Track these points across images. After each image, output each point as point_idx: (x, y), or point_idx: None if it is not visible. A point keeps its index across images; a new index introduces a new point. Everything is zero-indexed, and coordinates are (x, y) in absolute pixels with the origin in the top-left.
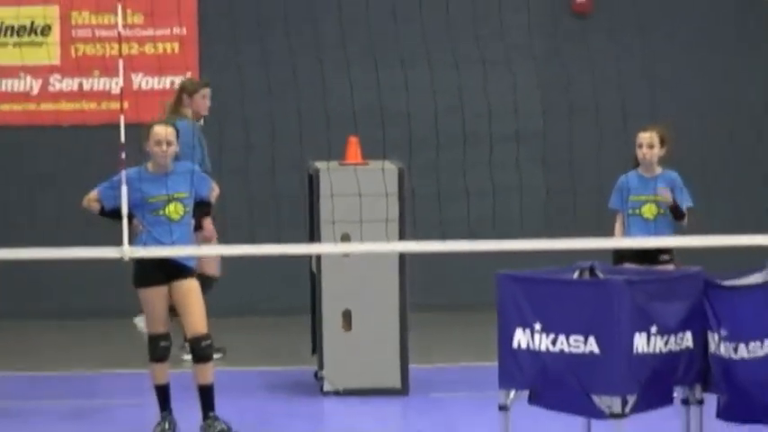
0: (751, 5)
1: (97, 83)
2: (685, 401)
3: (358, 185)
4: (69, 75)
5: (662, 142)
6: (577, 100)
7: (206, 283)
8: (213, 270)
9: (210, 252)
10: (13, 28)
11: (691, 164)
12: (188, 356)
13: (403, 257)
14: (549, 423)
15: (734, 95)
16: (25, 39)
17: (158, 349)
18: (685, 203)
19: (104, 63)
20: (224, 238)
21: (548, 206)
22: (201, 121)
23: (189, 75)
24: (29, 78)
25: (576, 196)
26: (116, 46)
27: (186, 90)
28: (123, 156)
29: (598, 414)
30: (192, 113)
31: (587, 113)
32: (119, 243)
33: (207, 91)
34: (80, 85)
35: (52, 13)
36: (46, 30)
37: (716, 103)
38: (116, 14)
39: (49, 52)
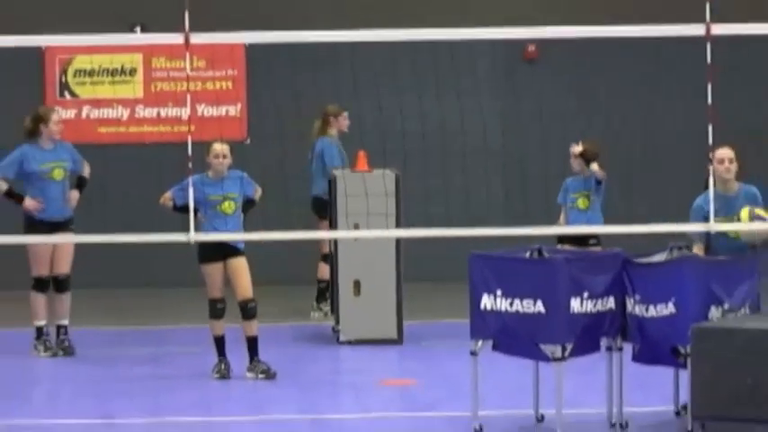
0: (661, 49)
1: (171, 111)
2: (609, 349)
3: (365, 187)
4: (150, 105)
5: (593, 156)
6: (528, 124)
7: (324, 259)
8: (325, 250)
9: (258, 238)
10: (108, 70)
11: (616, 172)
12: (317, 314)
13: (399, 241)
14: (507, 365)
15: (651, 123)
16: (117, 78)
17: (216, 309)
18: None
19: (176, 96)
20: (266, 227)
21: (505, 203)
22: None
23: (240, 106)
24: (120, 108)
25: (527, 196)
26: (185, 84)
27: (331, 113)
28: (190, 165)
29: (544, 358)
30: (337, 131)
31: (536, 134)
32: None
33: (346, 114)
34: (158, 113)
35: (137, 60)
36: (133, 71)
37: (634, 129)
38: (185, 60)
39: (135, 88)
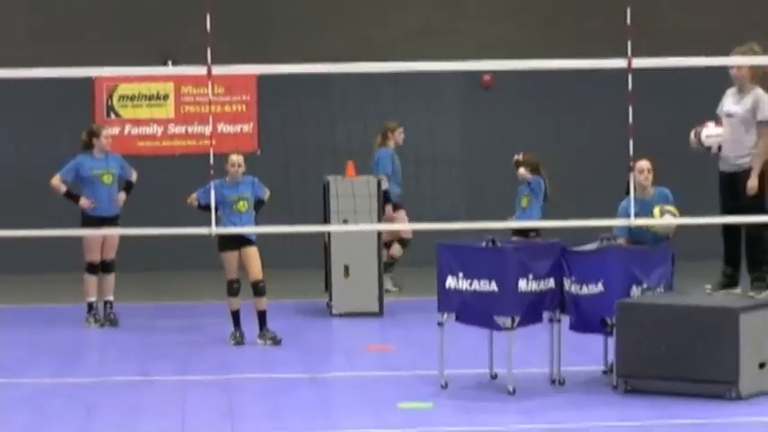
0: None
1: (196, 129)
2: (550, 320)
3: (353, 190)
4: (179, 124)
5: (527, 164)
6: (485, 139)
7: (404, 243)
8: (408, 234)
9: (266, 231)
10: (145, 95)
11: (557, 178)
12: (394, 288)
13: (380, 233)
14: (467, 333)
15: (583, 139)
16: (153, 102)
17: (232, 288)
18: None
19: (200, 117)
20: (272, 222)
21: (467, 203)
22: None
23: (252, 124)
24: (155, 126)
25: (483, 197)
26: (207, 106)
27: (390, 128)
28: (212, 172)
29: (497, 328)
30: (394, 144)
31: (491, 148)
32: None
33: (401, 129)
34: (186, 130)
35: (169, 87)
36: (165, 96)
37: (570, 143)
38: (207, 87)
39: (167, 110)
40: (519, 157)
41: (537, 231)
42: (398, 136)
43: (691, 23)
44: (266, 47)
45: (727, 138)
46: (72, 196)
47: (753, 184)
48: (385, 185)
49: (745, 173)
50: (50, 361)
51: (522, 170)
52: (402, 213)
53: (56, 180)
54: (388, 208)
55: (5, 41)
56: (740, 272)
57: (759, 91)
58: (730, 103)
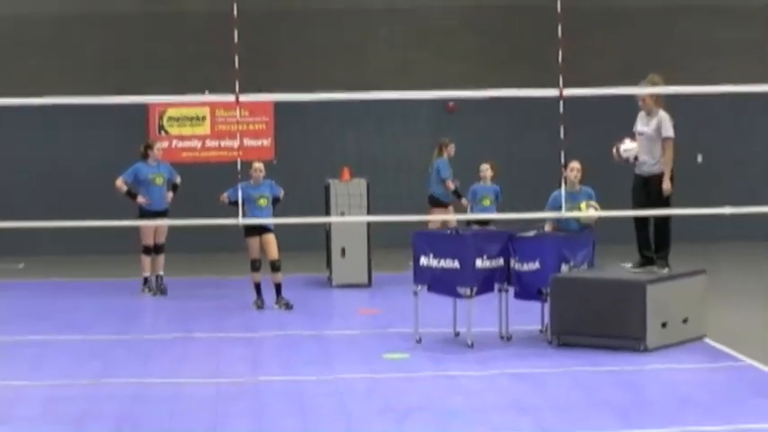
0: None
1: (227, 143)
2: (500, 290)
3: (348, 190)
4: (214, 139)
5: (493, 169)
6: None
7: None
8: (453, 224)
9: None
10: (188, 117)
11: (508, 182)
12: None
13: (369, 224)
14: (436, 300)
15: (524, 151)
16: (195, 122)
17: (255, 266)
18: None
19: (230, 133)
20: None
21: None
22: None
23: (270, 139)
24: (195, 141)
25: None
26: (236, 125)
27: (444, 144)
28: (239, 176)
29: (459, 296)
30: (448, 155)
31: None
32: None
33: (453, 144)
34: (219, 144)
35: (207, 111)
36: (203, 118)
37: (516, 153)
38: (236, 111)
39: (205, 128)
40: (488, 167)
41: (493, 223)
42: (451, 149)
43: (614, 62)
44: (280, 79)
45: (641, 150)
46: (131, 194)
47: (667, 186)
48: (453, 186)
49: (655, 177)
50: (115, 321)
51: (488, 177)
52: (451, 209)
53: (119, 182)
54: (461, 200)
55: (98, 79)
56: (652, 253)
57: (662, 113)
58: (641, 124)
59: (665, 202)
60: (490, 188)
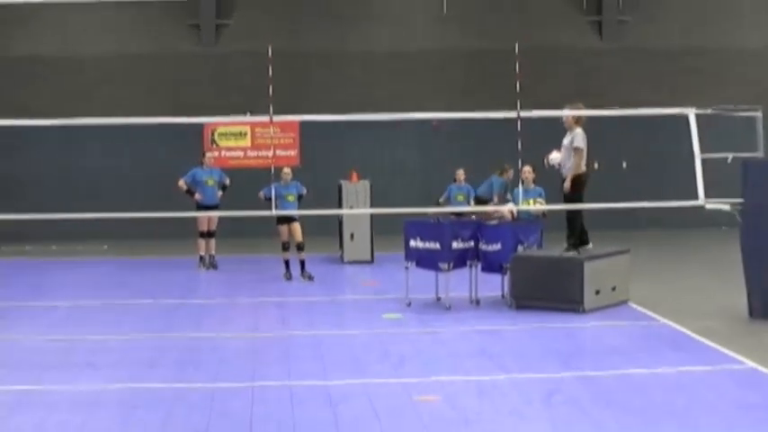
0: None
1: (263, 153)
2: (470, 266)
3: (355, 189)
4: (254, 150)
5: (466, 173)
6: (435, 161)
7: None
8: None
9: (304, 213)
10: (234, 133)
11: (476, 185)
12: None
13: (372, 216)
14: (423, 274)
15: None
16: (239, 137)
17: (284, 247)
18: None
19: (266, 146)
20: (308, 208)
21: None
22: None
23: (296, 150)
24: (239, 151)
25: (429, 195)
26: (271, 139)
27: (505, 169)
28: (272, 178)
29: (440, 270)
30: (506, 176)
31: (437, 166)
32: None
33: (512, 171)
34: (257, 153)
35: (248, 128)
36: (245, 134)
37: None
38: (270, 128)
39: (246, 141)
40: (461, 172)
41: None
42: (510, 174)
43: (558, 91)
44: (305, 104)
45: (563, 159)
46: (190, 192)
47: (566, 185)
48: (496, 200)
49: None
50: (178, 290)
51: (461, 179)
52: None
53: (180, 182)
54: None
55: (165, 104)
56: (587, 237)
57: (578, 130)
58: (565, 138)
59: (577, 199)
60: (464, 188)
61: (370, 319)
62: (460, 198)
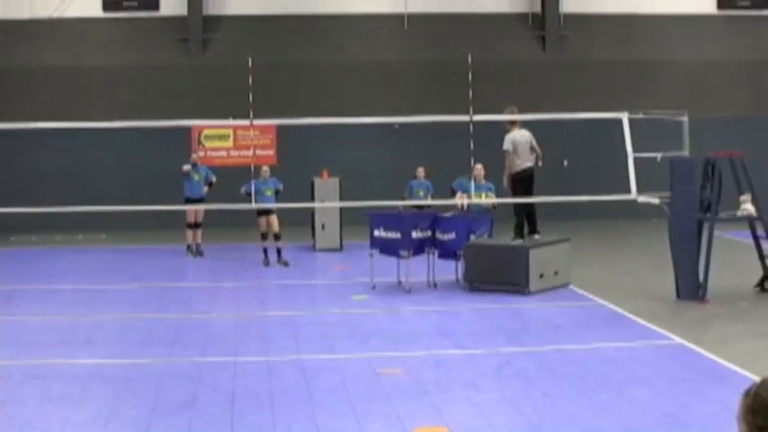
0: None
1: (244, 153)
2: (428, 253)
3: (327, 185)
4: (236, 150)
5: (426, 171)
6: (393, 160)
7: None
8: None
9: (280, 206)
10: (218, 135)
11: (434, 181)
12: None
13: (341, 209)
14: (385, 260)
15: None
16: (223, 138)
17: (263, 236)
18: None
19: (247, 146)
20: (284, 201)
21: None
22: None
23: (274, 150)
24: (222, 151)
25: (394, 190)
26: (251, 140)
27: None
28: (252, 175)
29: (401, 257)
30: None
31: (397, 164)
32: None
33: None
34: (239, 153)
35: (231, 131)
36: (228, 136)
37: (442, 161)
38: (250, 131)
39: (230, 143)
40: (421, 169)
41: (429, 207)
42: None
43: (506, 98)
44: (281, 109)
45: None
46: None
47: (506, 182)
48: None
49: (509, 176)
50: (166, 274)
51: (421, 176)
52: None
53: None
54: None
55: (158, 109)
56: (536, 226)
57: (509, 134)
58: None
59: (520, 194)
60: (423, 183)
61: (340, 301)
62: (421, 193)
